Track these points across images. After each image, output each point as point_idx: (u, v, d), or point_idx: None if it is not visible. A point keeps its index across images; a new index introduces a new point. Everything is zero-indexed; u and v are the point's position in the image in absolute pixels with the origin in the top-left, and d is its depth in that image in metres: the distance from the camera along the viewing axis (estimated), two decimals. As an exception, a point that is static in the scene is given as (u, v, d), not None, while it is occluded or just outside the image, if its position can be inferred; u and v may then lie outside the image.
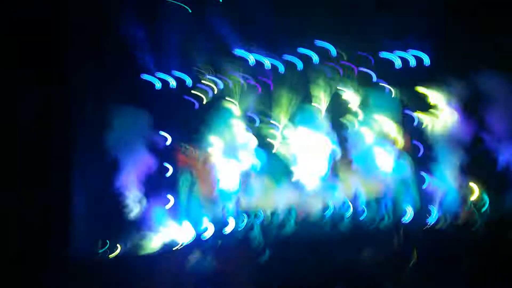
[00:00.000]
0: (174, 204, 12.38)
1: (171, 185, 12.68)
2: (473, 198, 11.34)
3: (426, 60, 12.32)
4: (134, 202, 11.90)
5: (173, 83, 13.03)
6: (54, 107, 9.80)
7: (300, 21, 12.17)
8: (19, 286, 6.49)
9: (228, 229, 11.88)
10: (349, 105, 12.91)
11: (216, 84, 13.19)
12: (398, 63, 12.53)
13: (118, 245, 10.89)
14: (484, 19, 10.95)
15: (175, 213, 12.23)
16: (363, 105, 12.73)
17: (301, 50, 12.83)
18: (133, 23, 11.97)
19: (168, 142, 12.77)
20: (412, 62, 12.40)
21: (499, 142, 11.21)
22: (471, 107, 11.49)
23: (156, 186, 12.33)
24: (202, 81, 13.14)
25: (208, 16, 12.33)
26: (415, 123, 12.52)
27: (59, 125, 9.71)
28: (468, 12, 11.06)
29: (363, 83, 12.73)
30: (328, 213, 11.94)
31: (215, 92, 13.16)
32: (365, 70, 12.75)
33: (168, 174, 12.72)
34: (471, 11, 11.04)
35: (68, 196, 9.33)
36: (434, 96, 12.34)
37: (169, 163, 12.79)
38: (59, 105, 9.81)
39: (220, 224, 12.01)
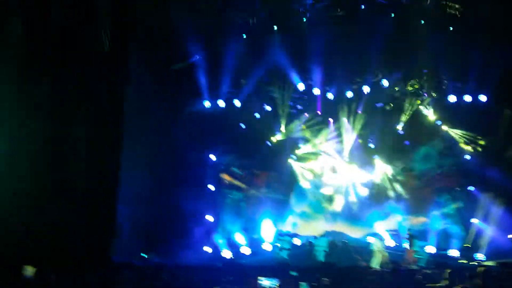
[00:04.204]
0: (216, 221, 12.61)
1: (214, 203, 12.91)
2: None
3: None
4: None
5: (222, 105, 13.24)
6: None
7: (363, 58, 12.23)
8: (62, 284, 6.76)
9: (266, 248, 11.95)
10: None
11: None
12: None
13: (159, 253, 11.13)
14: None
15: (217, 230, 12.39)
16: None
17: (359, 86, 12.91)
18: (196, 46, 12.29)
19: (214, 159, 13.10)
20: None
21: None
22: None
23: (201, 201, 12.56)
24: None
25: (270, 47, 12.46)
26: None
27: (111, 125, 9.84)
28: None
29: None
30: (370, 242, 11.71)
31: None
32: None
33: (211, 190, 12.99)
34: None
35: (114, 201, 9.54)
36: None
37: (214, 182, 13.05)
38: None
39: (257, 244, 12.11)
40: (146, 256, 10.97)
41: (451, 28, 11.76)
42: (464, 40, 11.42)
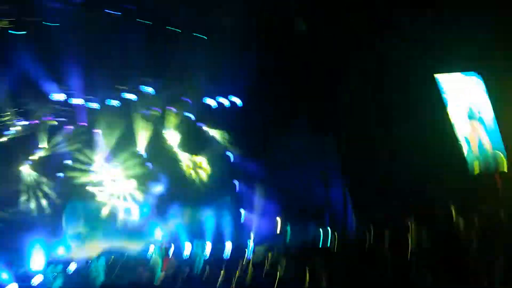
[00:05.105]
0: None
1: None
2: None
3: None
4: None
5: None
6: None
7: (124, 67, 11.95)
8: None
9: (37, 280, 10.66)
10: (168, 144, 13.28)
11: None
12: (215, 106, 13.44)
13: None
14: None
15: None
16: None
17: (124, 94, 12.71)
18: None
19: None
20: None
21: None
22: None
23: None
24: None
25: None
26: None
27: None
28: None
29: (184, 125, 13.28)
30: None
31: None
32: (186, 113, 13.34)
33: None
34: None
35: None
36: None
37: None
38: None
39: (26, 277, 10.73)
40: None
41: (206, 37, 12.61)
42: (218, 48, 12.36)
